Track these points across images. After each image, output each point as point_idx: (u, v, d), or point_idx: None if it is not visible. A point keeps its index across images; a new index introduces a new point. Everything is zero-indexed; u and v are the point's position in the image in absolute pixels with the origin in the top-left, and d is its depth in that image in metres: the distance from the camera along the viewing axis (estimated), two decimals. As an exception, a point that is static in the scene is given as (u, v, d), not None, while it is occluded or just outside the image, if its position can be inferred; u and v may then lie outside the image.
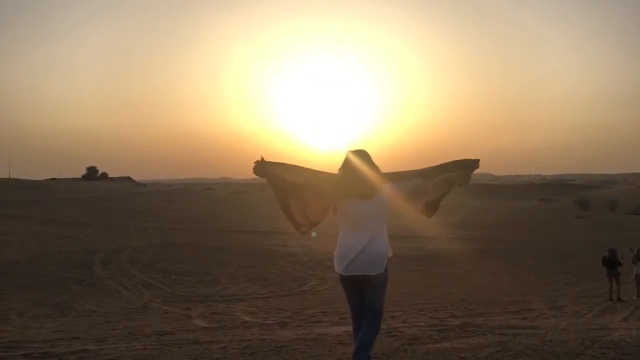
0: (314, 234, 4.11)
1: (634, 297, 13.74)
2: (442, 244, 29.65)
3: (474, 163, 4.21)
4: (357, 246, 3.94)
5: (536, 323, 8.27)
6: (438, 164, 4.18)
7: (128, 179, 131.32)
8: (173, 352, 5.42)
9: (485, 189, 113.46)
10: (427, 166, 4.22)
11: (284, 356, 5.03)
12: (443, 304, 12.56)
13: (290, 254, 23.24)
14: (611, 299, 13.53)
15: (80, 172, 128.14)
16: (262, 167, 3.98)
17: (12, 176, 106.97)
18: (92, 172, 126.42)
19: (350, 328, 7.55)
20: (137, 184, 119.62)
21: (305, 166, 4.06)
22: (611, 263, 14.09)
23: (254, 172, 4.00)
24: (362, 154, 4.01)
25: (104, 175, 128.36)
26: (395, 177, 4.09)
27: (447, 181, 4.17)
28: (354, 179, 3.93)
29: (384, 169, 4.08)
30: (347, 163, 3.99)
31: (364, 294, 4.06)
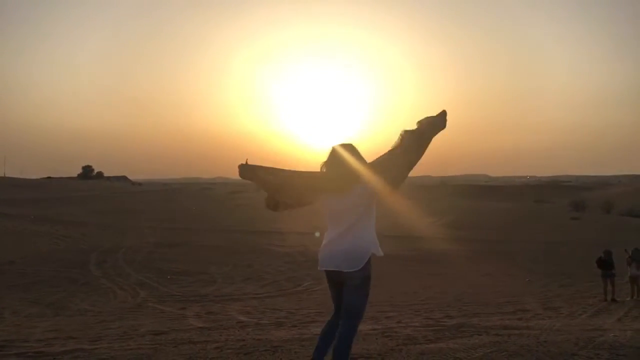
0: (317, 234, 4.03)
1: (628, 299, 13.79)
2: (437, 244, 29.69)
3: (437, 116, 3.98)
4: (332, 240, 3.74)
5: (531, 324, 8.30)
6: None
7: (124, 178, 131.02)
8: (168, 352, 5.41)
9: (481, 190, 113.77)
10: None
11: (280, 356, 5.03)
12: (438, 304, 12.58)
13: (286, 254, 23.23)
14: (606, 300, 13.58)
15: (76, 171, 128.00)
16: (247, 169, 3.83)
17: (7, 175, 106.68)
18: (87, 171, 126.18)
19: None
20: (133, 183, 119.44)
21: (291, 169, 3.89)
22: (606, 264, 14.14)
23: (239, 175, 3.84)
24: (347, 148, 3.79)
25: (100, 174, 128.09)
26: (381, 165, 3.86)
27: (416, 135, 3.90)
28: (330, 173, 3.74)
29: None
30: (329, 158, 3.81)
31: (340, 291, 3.79)
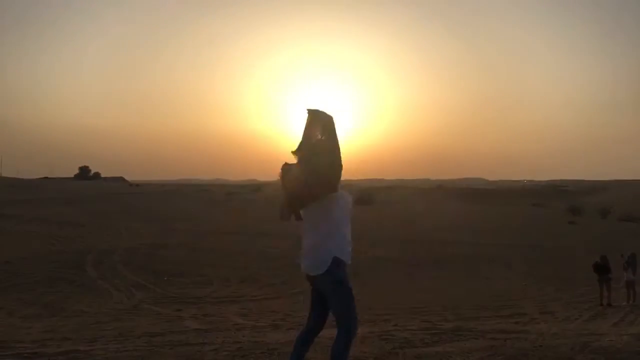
0: None
1: (624, 303, 13.82)
2: (434, 248, 29.71)
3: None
4: (303, 243, 3.63)
5: (527, 328, 8.31)
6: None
7: (121, 179, 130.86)
8: (164, 354, 5.40)
9: (478, 194, 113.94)
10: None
11: (276, 359, 5.03)
12: (435, 307, 12.59)
13: (282, 256, 23.20)
14: (602, 304, 13.61)
15: (73, 171, 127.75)
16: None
17: (4, 175, 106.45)
18: (84, 171, 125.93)
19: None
20: (130, 184, 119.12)
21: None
22: (602, 269, 14.18)
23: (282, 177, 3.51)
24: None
25: (97, 175, 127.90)
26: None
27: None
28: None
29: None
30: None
31: (320, 297, 3.63)
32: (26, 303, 12.68)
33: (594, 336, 6.74)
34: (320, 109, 3.50)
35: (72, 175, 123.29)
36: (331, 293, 3.48)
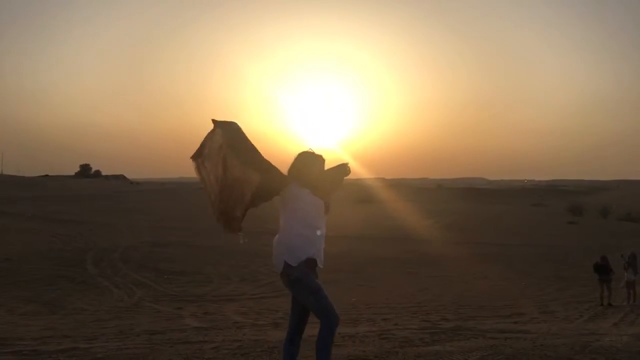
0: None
1: (624, 303, 13.82)
2: (434, 247, 29.71)
3: None
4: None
5: (527, 327, 8.30)
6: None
7: (122, 177, 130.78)
8: (164, 352, 5.40)
9: (478, 193, 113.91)
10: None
11: (276, 357, 5.02)
12: (435, 307, 12.59)
13: (283, 255, 23.19)
14: (602, 304, 13.60)
15: (74, 169, 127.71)
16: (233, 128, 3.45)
17: (5, 173, 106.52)
18: (85, 169, 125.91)
19: (341, 329, 7.56)
20: (131, 182, 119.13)
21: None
22: (602, 269, 14.17)
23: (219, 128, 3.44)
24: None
25: (98, 173, 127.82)
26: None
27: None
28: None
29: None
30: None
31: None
32: (26, 300, 12.69)
33: (594, 336, 6.73)
34: (227, 121, 3.48)
35: (73, 173, 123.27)
36: (295, 292, 3.58)
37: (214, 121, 3.49)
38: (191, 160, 3.55)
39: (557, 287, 18.26)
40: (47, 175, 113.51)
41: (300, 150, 3.71)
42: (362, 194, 75.56)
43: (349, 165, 3.85)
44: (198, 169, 3.55)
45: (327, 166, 3.76)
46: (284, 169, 3.66)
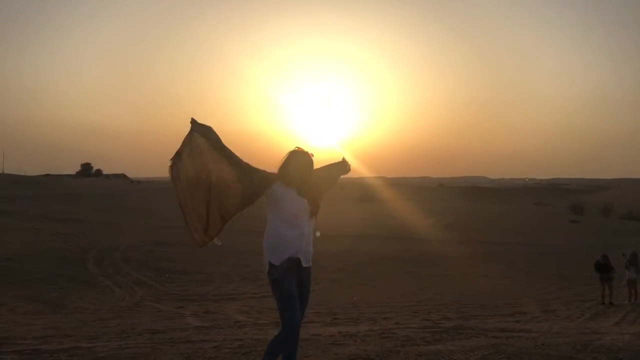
0: (318, 234, 3.76)
1: (625, 302, 13.81)
2: (435, 246, 29.72)
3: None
4: None
5: (529, 326, 8.30)
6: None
7: (123, 176, 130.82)
8: (166, 351, 5.40)
9: (480, 192, 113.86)
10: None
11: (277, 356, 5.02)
12: (436, 306, 12.59)
13: (284, 254, 23.20)
14: (603, 303, 13.59)
15: (75, 168, 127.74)
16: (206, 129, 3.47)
17: (6, 171, 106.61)
18: (86, 168, 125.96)
19: (342, 328, 7.57)
20: (132, 181, 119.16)
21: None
22: (604, 268, 14.16)
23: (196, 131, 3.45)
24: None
25: (99, 172, 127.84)
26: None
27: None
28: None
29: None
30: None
31: None
32: (28, 299, 12.71)
33: (595, 335, 6.73)
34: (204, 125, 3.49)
35: (74, 173, 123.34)
36: (272, 291, 3.62)
37: (193, 121, 3.48)
38: (170, 161, 3.50)
39: (559, 286, 18.25)
40: (48, 175, 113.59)
41: (285, 147, 3.71)
42: (363, 193, 75.60)
43: (348, 162, 3.85)
44: (172, 171, 3.50)
45: (322, 164, 3.76)
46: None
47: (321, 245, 24.04)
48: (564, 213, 63.03)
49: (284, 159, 3.60)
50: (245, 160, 3.59)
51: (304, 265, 3.62)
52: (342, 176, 3.93)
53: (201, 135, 3.45)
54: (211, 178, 3.48)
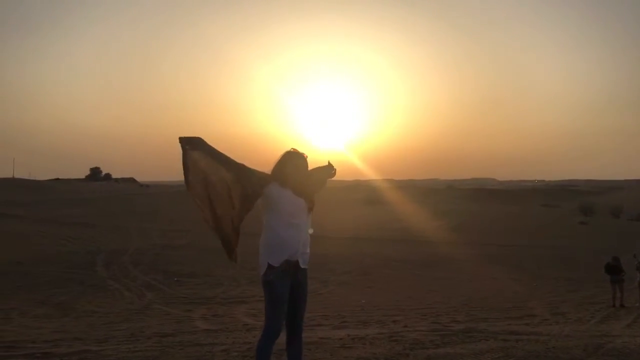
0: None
1: (637, 304, 13.68)
2: (444, 248, 29.61)
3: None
4: None
5: (539, 329, 8.23)
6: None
7: (131, 180, 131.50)
8: (175, 354, 5.42)
9: (488, 194, 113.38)
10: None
11: (286, 359, 5.01)
12: (445, 308, 12.53)
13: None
14: (614, 305, 13.48)
15: (84, 172, 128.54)
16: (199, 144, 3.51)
17: (16, 176, 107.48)
18: (95, 172, 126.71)
19: (351, 331, 7.54)
20: (141, 185, 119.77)
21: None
22: (614, 270, 14.05)
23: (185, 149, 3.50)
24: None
25: (108, 176, 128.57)
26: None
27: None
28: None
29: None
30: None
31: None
32: (38, 303, 12.78)
33: (607, 338, 6.67)
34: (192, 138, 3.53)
35: (84, 177, 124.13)
36: (264, 291, 3.63)
37: (180, 139, 3.52)
38: (190, 193, 3.56)
39: (568, 288, 18.13)
40: (57, 179, 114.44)
41: (301, 151, 3.72)
42: (371, 195, 75.55)
43: (333, 166, 3.86)
44: (195, 198, 3.56)
45: (312, 166, 3.78)
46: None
47: (329, 248, 24.14)
48: (573, 215, 62.67)
49: (279, 160, 3.63)
50: (253, 163, 3.64)
51: (302, 266, 3.64)
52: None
53: (192, 149, 3.50)
54: (216, 186, 3.52)
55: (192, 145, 3.50)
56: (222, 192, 3.53)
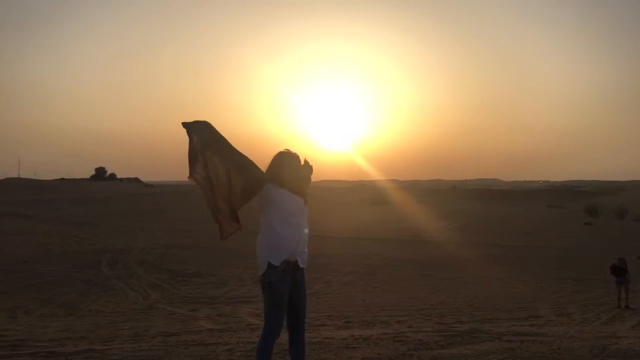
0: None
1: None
2: (448, 248, 29.53)
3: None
4: None
5: (544, 330, 8.21)
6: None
7: (136, 180, 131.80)
8: (179, 353, 5.43)
9: (493, 195, 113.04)
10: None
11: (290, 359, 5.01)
12: (449, 309, 12.49)
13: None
14: (619, 306, 13.41)
15: (89, 172, 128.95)
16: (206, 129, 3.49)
17: (22, 176, 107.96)
18: (100, 172, 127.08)
19: (355, 332, 7.54)
20: (145, 185, 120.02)
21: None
22: (620, 271, 13.98)
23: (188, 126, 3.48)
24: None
25: (113, 176, 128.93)
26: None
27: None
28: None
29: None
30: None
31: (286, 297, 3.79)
32: (43, 302, 12.82)
33: (612, 339, 6.64)
34: (196, 120, 3.50)
35: (89, 177, 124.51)
36: (263, 293, 3.64)
37: (184, 124, 3.49)
38: (191, 177, 3.56)
39: (574, 289, 18.03)
40: (63, 179, 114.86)
41: (303, 152, 3.75)
42: (375, 196, 75.43)
43: (310, 163, 3.83)
44: (196, 180, 3.56)
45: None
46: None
47: (333, 248, 24.11)
48: (578, 215, 62.35)
49: (275, 162, 3.64)
50: (258, 163, 3.66)
51: (301, 266, 3.69)
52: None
53: (196, 136, 3.49)
54: (219, 174, 3.53)
55: (196, 132, 3.49)
56: (224, 181, 3.54)
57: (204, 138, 3.49)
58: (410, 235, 36.14)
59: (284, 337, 3.72)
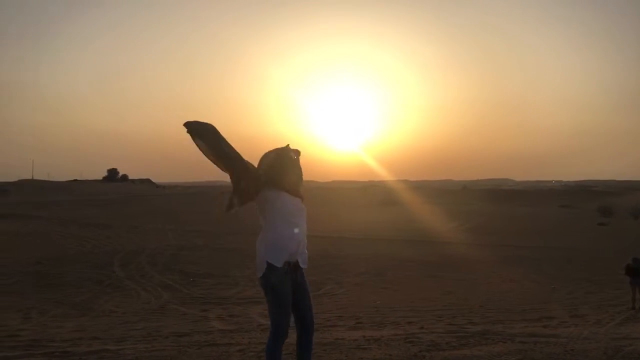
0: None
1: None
2: (460, 249, 29.37)
3: None
4: None
5: (557, 331, 8.13)
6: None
7: (148, 181, 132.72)
8: (191, 354, 5.45)
9: (505, 195, 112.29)
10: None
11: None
12: (461, 310, 12.43)
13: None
14: (634, 308, 13.26)
15: (102, 174, 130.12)
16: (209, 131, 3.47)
17: (35, 177, 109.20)
18: (113, 174, 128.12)
19: (366, 332, 7.53)
20: (157, 186, 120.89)
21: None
22: (634, 272, 13.83)
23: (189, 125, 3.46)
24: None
25: (125, 177, 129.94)
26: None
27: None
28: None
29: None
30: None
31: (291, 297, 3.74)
32: (56, 303, 12.95)
33: (626, 340, 6.56)
34: (197, 121, 3.48)
35: (101, 178, 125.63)
36: (266, 296, 3.60)
37: (186, 125, 3.47)
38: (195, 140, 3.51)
39: (587, 290, 17.86)
40: (76, 180, 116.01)
41: (307, 151, 3.73)
42: (385, 196, 75.25)
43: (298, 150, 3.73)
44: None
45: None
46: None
47: (344, 249, 24.08)
48: (592, 215, 61.77)
49: (275, 164, 3.57)
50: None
51: (302, 266, 3.67)
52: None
53: (199, 139, 3.49)
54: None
55: (199, 136, 3.47)
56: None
57: (207, 141, 3.48)
58: (421, 235, 36.01)
59: (292, 337, 3.71)
